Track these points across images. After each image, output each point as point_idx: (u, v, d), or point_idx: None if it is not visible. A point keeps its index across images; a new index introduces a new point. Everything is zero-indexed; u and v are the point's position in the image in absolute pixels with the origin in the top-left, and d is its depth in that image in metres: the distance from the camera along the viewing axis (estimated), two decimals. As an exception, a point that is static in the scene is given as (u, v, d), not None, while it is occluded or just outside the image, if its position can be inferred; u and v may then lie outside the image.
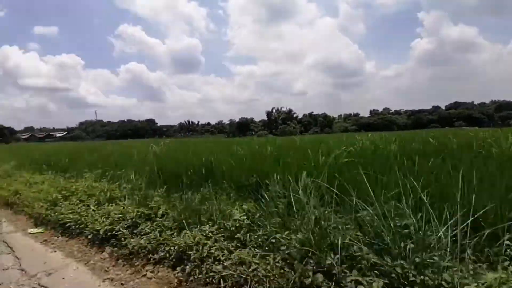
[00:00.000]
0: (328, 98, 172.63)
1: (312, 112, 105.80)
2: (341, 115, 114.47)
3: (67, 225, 4.13)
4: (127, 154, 8.79)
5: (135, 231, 3.53)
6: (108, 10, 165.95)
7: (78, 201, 4.85)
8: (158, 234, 3.30)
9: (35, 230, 4.42)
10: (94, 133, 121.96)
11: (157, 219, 3.66)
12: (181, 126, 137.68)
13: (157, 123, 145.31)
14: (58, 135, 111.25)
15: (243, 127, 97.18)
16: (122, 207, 4.12)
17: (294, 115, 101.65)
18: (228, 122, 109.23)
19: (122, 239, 3.42)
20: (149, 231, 3.42)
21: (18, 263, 3.35)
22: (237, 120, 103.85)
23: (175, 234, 3.25)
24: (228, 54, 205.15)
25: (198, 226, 3.25)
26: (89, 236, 3.76)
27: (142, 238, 3.31)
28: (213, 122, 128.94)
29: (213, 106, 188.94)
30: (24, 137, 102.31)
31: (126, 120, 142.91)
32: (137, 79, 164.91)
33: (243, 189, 4.23)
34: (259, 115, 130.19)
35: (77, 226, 4.03)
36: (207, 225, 3.22)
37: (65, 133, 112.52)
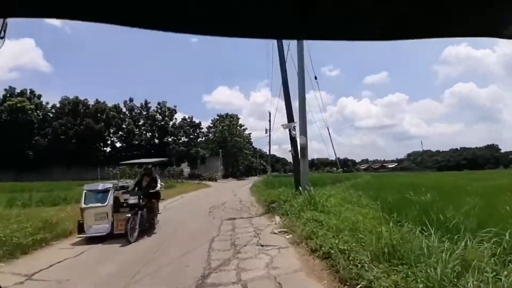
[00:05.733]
0: None
1: None
2: None
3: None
4: None
5: None
6: (431, 41, 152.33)
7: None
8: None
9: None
10: (423, 163, 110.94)
11: None
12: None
13: (500, 149, 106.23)
14: (390, 166, 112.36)
15: None
16: None
17: None
18: None
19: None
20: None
21: None
22: None
23: None
24: None
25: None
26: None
27: None
28: None
29: None
30: (362, 167, 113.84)
31: (459, 148, 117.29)
32: (464, 100, 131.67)
33: None
34: None
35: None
36: None
37: (396, 164, 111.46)
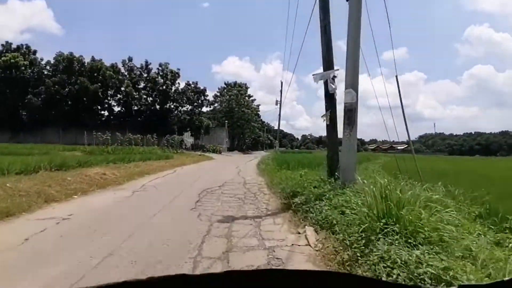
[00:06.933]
0: None
1: None
2: None
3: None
4: None
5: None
6: (454, 18, 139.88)
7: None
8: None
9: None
10: (434, 146, 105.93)
11: None
12: None
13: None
14: (399, 147, 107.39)
15: None
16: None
17: None
18: None
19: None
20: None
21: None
22: None
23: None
24: None
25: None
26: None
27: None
28: None
29: None
30: (371, 147, 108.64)
31: (473, 133, 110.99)
32: (482, 84, 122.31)
33: None
34: None
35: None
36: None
37: (406, 146, 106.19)
